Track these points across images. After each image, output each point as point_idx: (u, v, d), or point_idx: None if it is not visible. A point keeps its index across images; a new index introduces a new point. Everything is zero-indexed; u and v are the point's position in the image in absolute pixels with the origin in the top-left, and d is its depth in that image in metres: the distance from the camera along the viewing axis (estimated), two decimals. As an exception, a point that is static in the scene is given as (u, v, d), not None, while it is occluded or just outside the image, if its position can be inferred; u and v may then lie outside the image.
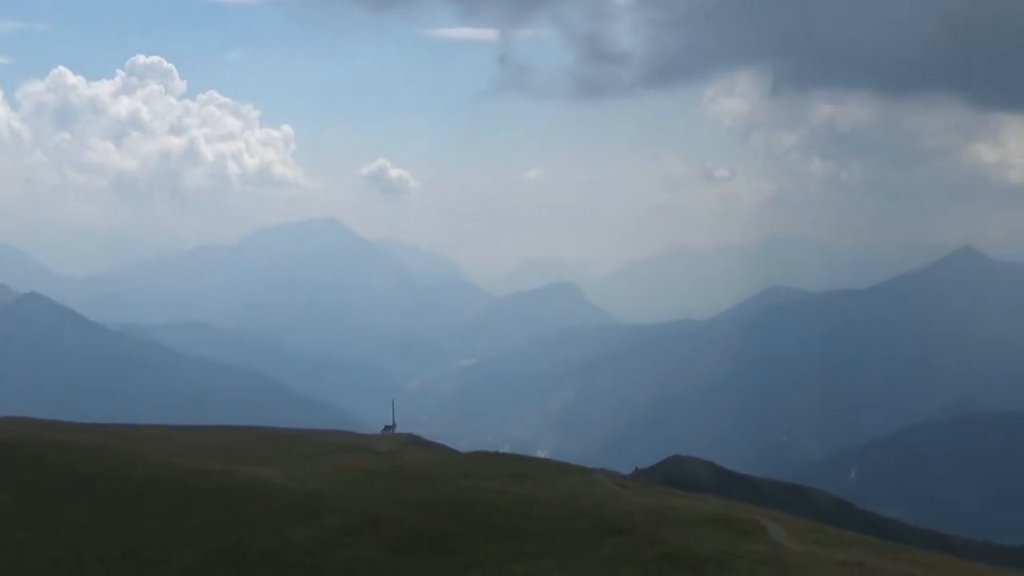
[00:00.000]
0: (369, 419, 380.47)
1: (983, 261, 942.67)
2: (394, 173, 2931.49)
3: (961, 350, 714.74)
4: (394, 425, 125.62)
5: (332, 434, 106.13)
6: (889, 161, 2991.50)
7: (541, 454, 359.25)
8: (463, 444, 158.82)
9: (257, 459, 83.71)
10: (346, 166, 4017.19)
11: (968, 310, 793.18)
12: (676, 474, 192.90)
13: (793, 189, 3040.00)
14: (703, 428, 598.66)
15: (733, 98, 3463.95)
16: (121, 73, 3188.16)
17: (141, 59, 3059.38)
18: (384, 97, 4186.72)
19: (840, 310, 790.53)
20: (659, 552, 55.65)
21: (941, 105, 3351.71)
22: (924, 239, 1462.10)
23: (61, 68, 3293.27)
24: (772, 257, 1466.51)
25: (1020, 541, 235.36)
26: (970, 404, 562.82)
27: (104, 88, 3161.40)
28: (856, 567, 54.43)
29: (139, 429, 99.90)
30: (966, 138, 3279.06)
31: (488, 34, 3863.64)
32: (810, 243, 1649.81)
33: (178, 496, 68.36)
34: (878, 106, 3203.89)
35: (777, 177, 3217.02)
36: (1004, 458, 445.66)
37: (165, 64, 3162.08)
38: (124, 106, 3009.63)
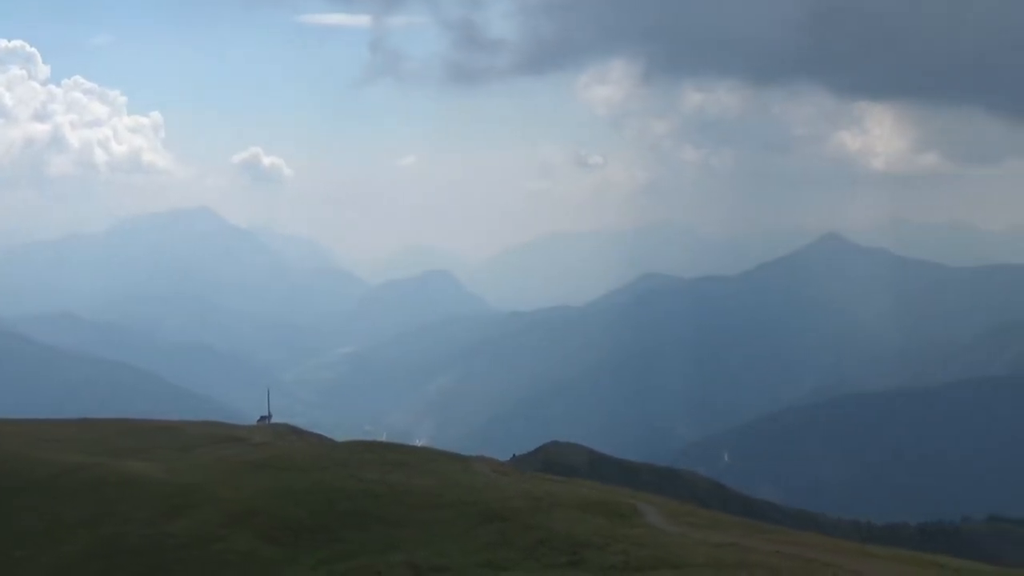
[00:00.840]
0: (244, 410, 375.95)
1: (848, 247, 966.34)
2: (267, 161, 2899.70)
3: (828, 334, 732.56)
4: (270, 415, 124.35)
5: (207, 425, 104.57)
6: (758, 148, 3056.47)
7: (419, 442, 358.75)
8: (340, 433, 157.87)
9: (130, 452, 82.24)
10: (218, 154, 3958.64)
11: (834, 294, 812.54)
12: (554, 460, 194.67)
13: (666, 176, 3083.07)
14: (580, 413, 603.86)
15: (606, 86, 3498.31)
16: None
17: (2, 43, 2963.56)
18: (256, 84, 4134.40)
19: (712, 295, 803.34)
20: (537, 537, 56.03)
21: (807, 94, 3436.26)
22: (792, 225, 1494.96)
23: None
24: (646, 243, 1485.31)
25: (886, 519, 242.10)
26: (837, 386, 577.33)
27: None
28: (729, 547, 55.45)
29: (6, 424, 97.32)
30: (831, 126, 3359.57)
31: (361, 20, 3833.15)
32: (683, 229, 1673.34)
33: (49, 492, 66.87)
34: (747, 94, 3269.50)
35: (650, 164, 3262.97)
36: (870, 438, 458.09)
37: (28, 48, 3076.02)
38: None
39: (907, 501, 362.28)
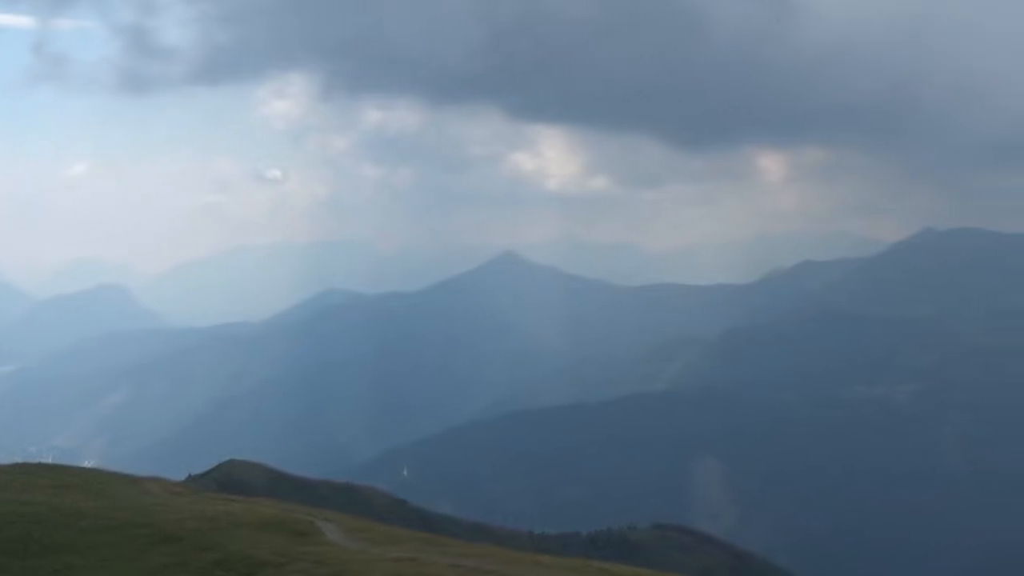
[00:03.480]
0: None
1: (524, 264, 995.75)
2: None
3: (505, 349, 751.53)
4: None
5: None
6: (438, 167, 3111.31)
7: (88, 463, 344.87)
8: (2, 456, 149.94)
9: None
10: None
11: (512, 311, 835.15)
12: (230, 478, 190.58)
13: (347, 192, 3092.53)
14: (259, 431, 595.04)
15: (285, 100, 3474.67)
16: None
17: None
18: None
19: (393, 311, 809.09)
20: (213, 558, 54.89)
21: (484, 114, 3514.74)
22: (471, 243, 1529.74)
23: None
24: (327, 259, 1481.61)
25: (559, 529, 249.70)
26: (513, 401, 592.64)
27: None
28: (407, 562, 56.00)
29: None
30: (508, 147, 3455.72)
31: (24, 21, 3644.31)
32: (364, 245, 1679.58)
33: None
34: (426, 113, 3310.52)
35: (331, 180, 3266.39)
36: (544, 452, 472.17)
37: None
38: None
39: (579, 511, 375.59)
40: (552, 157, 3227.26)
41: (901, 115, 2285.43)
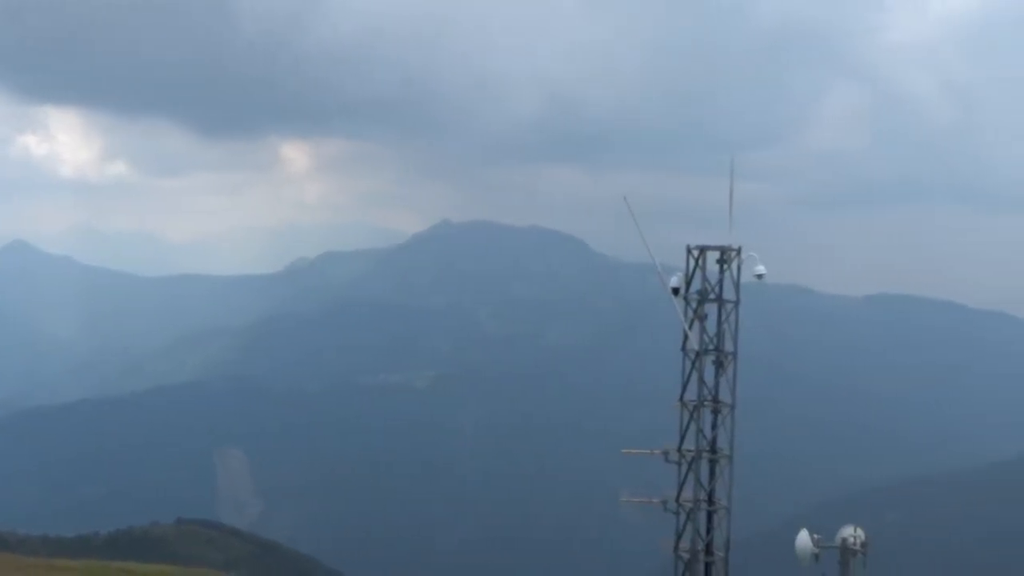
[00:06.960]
0: None
1: (36, 254, 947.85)
2: None
3: (15, 344, 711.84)
4: None
5: None
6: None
7: None
8: None
9: None
10: None
11: (22, 304, 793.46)
12: None
13: None
14: None
15: None
16: None
17: None
18: None
19: None
20: None
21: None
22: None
23: None
24: None
25: (78, 531, 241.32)
26: (26, 398, 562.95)
27: None
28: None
29: None
30: (15, 129, 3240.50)
31: None
32: None
33: None
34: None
35: None
36: (61, 450, 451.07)
37: None
38: None
39: (98, 511, 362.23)
40: (65, 141, 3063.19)
41: (422, 110, 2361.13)
